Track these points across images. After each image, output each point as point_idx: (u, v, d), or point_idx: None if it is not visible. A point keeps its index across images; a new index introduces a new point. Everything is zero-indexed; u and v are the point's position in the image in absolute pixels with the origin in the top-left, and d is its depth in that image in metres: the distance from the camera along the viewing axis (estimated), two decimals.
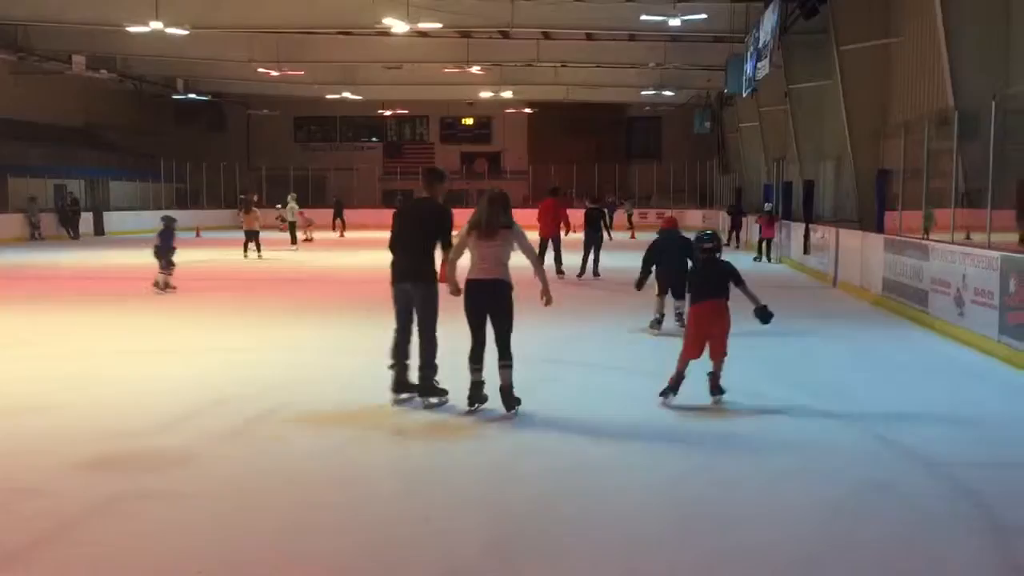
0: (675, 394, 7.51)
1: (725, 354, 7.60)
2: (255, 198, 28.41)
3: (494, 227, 6.98)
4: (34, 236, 32.98)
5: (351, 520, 5.00)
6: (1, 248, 28.82)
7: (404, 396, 7.46)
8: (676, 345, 10.45)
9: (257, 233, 23.64)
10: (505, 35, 31.64)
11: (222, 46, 33.42)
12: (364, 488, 5.54)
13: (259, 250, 23.44)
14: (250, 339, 11.17)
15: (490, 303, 7.06)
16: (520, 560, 4.48)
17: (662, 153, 51.98)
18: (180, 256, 15.73)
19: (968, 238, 12.92)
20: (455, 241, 7.24)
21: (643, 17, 25.03)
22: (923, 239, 13.14)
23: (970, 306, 10.59)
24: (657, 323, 11.30)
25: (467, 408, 7.16)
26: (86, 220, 36.13)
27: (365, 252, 24.37)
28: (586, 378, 8.20)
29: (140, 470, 5.83)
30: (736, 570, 4.40)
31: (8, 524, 4.93)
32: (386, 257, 7.52)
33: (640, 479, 5.72)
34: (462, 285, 7.20)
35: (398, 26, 25.48)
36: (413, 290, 7.28)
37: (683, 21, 24.80)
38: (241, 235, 24.27)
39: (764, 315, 7.64)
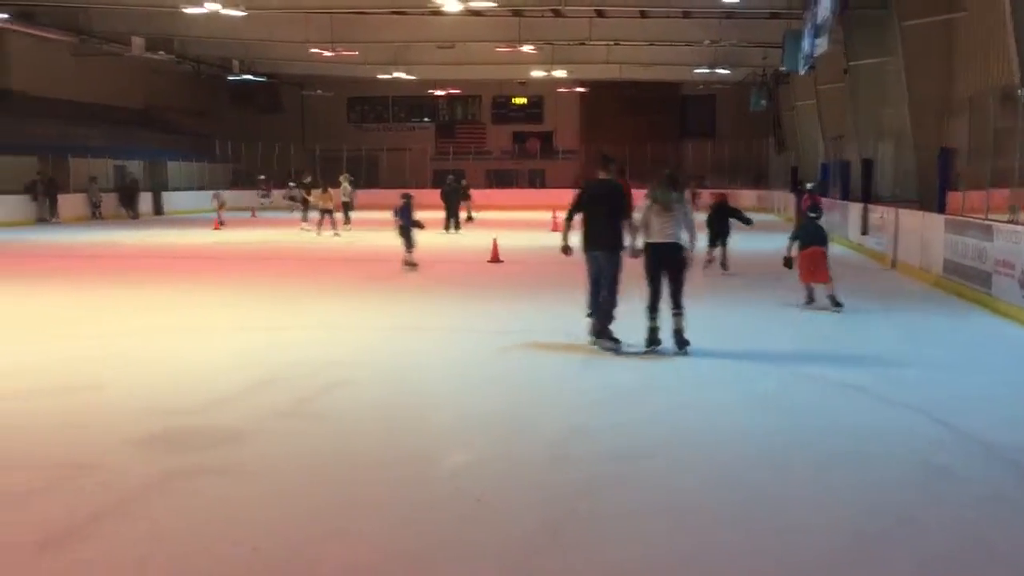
0: (810, 302, 11.48)
1: (831, 280, 11.30)
2: (308, 179, 28.81)
3: (671, 202, 8.59)
4: (95, 215, 33.75)
5: (405, 498, 5.03)
6: (64, 227, 29.51)
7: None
8: (731, 330, 10.38)
9: (331, 211, 24.23)
10: (557, 14, 31.36)
11: (277, 27, 33.63)
12: (417, 466, 5.56)
13: (334, 226, 24.07)
14: (307, 317, 11.28)
15: (667, 262, 8.62)
16: (571, 542, 4.47)
17: (716, 132, 51.32)
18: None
19: None
20: (638, 215, 8.75)
21: None
22: (985, 220, 12.80)
23: None
24: (708, 263, 15.07)
25: (644, 349, 8.59)
26: (145, 199, 36.85)
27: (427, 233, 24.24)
28: (635, 362, 8.16)
29: (197, 447, 5.93)
30: (788, 549, 4.36)
31: (68, 498, 5.04)
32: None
33: (692, 463, 5.67)
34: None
35: (450, 5, 25.42)
36: (602, 257, 8.73)
37: None
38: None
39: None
